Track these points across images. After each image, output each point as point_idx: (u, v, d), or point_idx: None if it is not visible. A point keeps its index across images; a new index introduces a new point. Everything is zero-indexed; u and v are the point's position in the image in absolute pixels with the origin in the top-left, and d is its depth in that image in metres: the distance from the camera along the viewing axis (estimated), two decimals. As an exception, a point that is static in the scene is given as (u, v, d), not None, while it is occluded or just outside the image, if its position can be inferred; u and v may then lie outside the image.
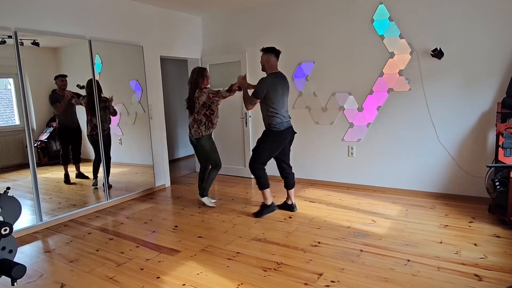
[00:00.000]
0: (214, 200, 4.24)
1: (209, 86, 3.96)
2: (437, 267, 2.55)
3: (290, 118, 3.72)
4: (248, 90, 3.73)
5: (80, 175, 4.15)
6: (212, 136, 4.02)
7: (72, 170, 4.08)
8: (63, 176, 3.99)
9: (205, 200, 4.10)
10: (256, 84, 3.60)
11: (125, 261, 2.84)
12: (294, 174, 3.86)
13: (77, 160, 4.14)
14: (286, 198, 3.88)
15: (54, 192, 3.84)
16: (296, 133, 3.80)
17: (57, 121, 3.85)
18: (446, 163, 4.00)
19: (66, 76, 3.89)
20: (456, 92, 3.84)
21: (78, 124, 4.10)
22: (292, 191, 3.84)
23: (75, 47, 3.95)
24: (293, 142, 3.81)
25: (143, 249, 3.05)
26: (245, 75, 3.90)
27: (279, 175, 3.89)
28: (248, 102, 3.64)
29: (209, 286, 2.42)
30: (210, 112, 3.86)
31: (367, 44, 4.24)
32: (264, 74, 3.67)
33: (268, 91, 3.49)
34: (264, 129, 3.67)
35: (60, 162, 3.97)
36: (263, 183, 3.67)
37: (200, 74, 3.84)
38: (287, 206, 3.87)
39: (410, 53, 4.01)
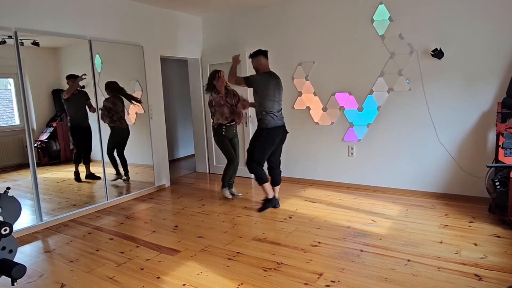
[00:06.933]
0: (230, 196, 4.39)
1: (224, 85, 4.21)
2: (437, 267, 2.55)
3: (282, 117, 3.84)
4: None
5: (91, 175, 4.20)
6: (222, 133, 4.22)
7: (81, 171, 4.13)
8: (73, 175, 4.06)
9: (223, 190, 4.38)
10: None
11: (125, 261, 2.84)
12: (281, 172, 4.01)
13: (88, 161, 4.18)
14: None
15: (54, 192, 3.84)
16: (288, 132, 3.91)
17: (68, 120, 3.95)
18: (446, 163, 3.99)
19: (77, 76, 3.94)
20: (456, 92, 3.84)
21: (89, 124, 4.14)
22: (277, 188, 4.00)
23: (75, 47, 3.95)
24: (285, 141, 3.92)
25: (143, 249, 3.05)
26: (239, 54, 4.00)
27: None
28: (234, 76, 3.76)
29: (209, 286, 2.42)
30: (214, 110, 4.20)
31: (367, 44, 4.24)
32: None
33: (258, 86, 3.66)
34: (257, 126, 3.81)
35: (72, 161, 4.09)
36: (260, 178, 3.79)
37: (211, 75, 4.19)
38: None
39: (410, 53, 4.01)
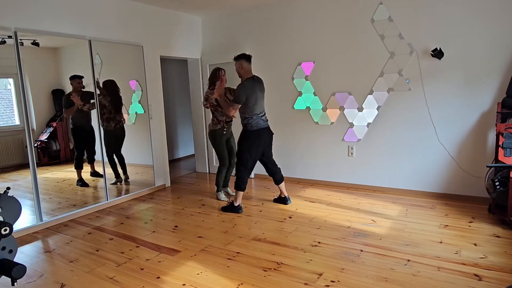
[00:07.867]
0: (226, 199, 4.36)
1: (225, 85, 4.16)
2: (437, 267, 2.55)
3: (267, 120, 3.87)
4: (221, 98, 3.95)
5: (95, 173, 4.24)
6: (223, 133, 4.22)
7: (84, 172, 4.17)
8: (73, 176, 4.05)
9: (218, 194, 4.39)
10: (235, 89, 3.74)
11: (125, 261, 2.84)
12: (280, 169, 4.05)
13: (92, 160, 4.23)
14: (280, 193, 4.09)
15: (54, 192, 3.84)
16: (273, 133, 3.96)
17: (71, 122, 3.98)
18: (446, 163, 4.00)
19: (82, 77, 3.96)
20: (456, 92, 3.84)
21: (92, 125, 4.17)
22: (282, 185, 4.05)
23: (75, 47, 3.95)
24: (279, 142, 4.03)
25: (143, 249, 3.05)
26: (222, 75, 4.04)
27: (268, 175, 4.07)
28: (228, 108, 3.82)
29: (209, 286, 2.42)
30: (214, 109, 4.15)
31: (367, 44, 4.24)
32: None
33: (248, 95, 3.65)
34: (241, 129, 3.84)
35: (74, 166, 4.08)
36: (241, 183, 3.81)
37: (213, 74, 4.15)
38: (281, 199, 4.10)
39: (410, 53, 4.01)
